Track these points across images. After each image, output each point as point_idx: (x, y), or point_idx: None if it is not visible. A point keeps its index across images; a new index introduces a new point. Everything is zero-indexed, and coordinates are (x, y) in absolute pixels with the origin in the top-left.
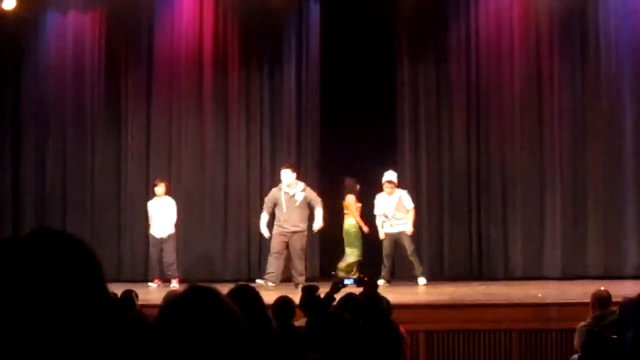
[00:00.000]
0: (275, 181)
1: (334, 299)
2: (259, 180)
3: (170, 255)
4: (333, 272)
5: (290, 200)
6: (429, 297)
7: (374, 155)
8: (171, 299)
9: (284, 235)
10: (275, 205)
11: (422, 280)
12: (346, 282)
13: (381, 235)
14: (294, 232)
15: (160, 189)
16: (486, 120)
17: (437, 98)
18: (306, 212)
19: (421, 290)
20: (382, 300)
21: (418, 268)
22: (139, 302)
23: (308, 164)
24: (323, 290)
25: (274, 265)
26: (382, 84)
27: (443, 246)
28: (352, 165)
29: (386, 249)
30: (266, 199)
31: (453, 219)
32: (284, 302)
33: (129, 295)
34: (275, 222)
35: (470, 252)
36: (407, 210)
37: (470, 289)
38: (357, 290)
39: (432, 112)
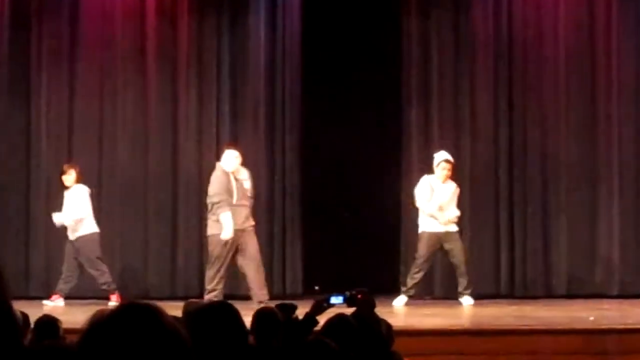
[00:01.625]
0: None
1: (317, 322)
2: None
3: (89, 264)
4: (317, 287)
5: (241, 189)
6: (444, 321)
7: (371, 136)
8: (97, 320)
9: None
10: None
11: (467, 300)
12: (333, 300)
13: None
14: (244, 231)
15: (69, 177)
16: (521, 89)
17: (455, 59)
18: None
19: (432, 312)
20: (381, 323)
21: (468, 285)
22: (65, 326)
23: (285, 145)
24: (303, 312)
25: (219, 277)
26: (382, 40)
27: None
28: (342, 150)
29: (425, 253)
30: (220, 189)
31: (476, 220)
32: (265, 318)
33: (50, 319)
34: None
35: (497, 263)
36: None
37: (499, 310)
38: (349, 311)
39: (448, 79)
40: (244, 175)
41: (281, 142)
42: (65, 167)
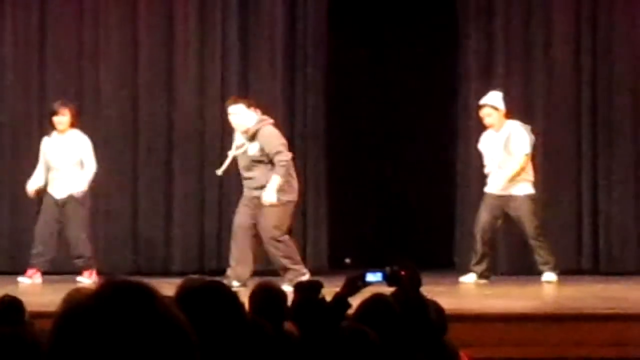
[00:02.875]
0: None
1: (349, 304)
2: (221, 114)
3: (76, 230)
4: (347, 260)
5: (244, 154)
6: (512, 303)
7: (414, 73)
8: (74, 305)
9: (247, 205)
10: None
11: (550, 276)
12: (370, 277)
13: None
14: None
15: (62, 119)
16: (606, 20)
17: None
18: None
19: (495, 292)
20: (431, 307)
21: (547, 257)
22: (31, 310)
23: (307, 88)
24: (331, 292)
25: (234, 254)
26: None
27: None
28: (377, 93)
29: (484, 222)
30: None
31: (551, 183)
32: (266, 295)
33: (13, 300)
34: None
35: (578, 232)
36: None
37: (580, 290)
38: (389, 291)
39: (514, 8)
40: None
41: (302, 82)
42: (56, 105)
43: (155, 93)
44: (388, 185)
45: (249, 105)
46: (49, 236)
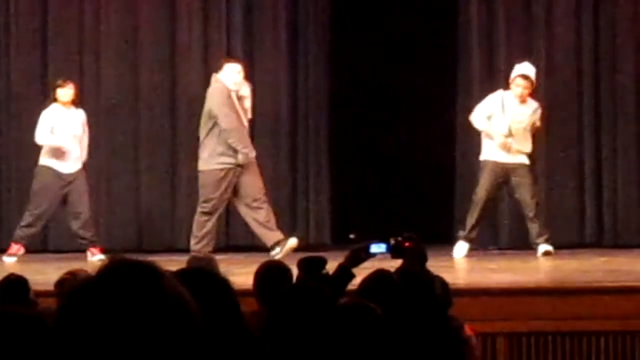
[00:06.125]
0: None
1: (353, 275)
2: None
3: (82, 204)
4: (352, 236)
5: (243, 110)
6: (514, 277)
7: (417, 43)
8: (79, 283)
9: (234, 168)
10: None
11: (544, 248)
12: (374, 249)
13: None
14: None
15: (66, 92)
16: None
17: None
18: None
19: (499, 266)
20: (435, 281)
21: (542, 229)
22: (37, 288)
23: (310, 60)
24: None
25: (208, 226)
26: None
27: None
28: (380, 63)
29: (485, 187)
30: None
31: (554, 150)
32: (271, 273)
33: (17, 280)
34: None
35: (581, 204)
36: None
37: (583, 263)
38: (392, 265)
39: None
40: (246, 92)
41: (304, 55)
42: (61, 81)
43: (157, 70)
44: (392, 160)
45: None
46: (47, 212)
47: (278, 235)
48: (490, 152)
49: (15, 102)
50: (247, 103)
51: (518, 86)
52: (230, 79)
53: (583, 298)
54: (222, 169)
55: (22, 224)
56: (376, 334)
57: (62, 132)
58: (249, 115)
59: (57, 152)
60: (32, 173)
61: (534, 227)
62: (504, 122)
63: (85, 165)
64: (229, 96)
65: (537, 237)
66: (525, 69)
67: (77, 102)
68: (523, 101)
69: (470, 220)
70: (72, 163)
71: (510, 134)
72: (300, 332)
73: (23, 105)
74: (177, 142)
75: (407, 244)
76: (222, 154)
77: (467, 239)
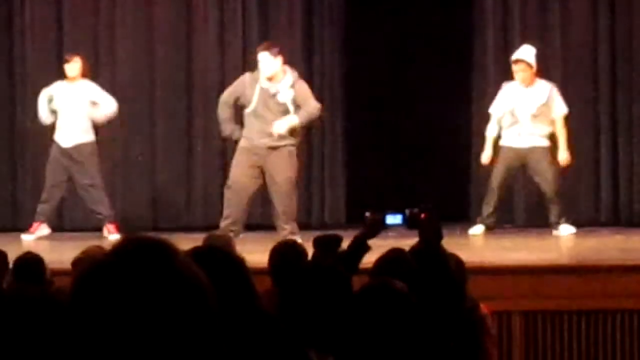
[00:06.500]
0: None
1: (369, 247)
2: (241, 66)
3: (87, 176)
4: (368, 214)
5: (270, 100)
6: (529, 255)
7: (432, 28)
8: (94, 262)
9: (255, 154)
10: (239, 102)
11: (565, 230)
12: (389, 220)
13: (486, 155)
14: (272, 149)
15: (72, 66)
16: None
17: None
18: None
19: (514, 244)
20: (450, 259)
21: (561, 211)
22: (53, 267)
23: (325, 42)
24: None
25: (232, 207)
26: None
27: None
28: (395, 46)
29: (500, 173)
30: (227, 91)
31: (570, 136)
32: (286, 251)
33: (33, 259)
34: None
35: (597, 182)
36: (552, 120)
37: (599, 242)
38: (407, 244)
39: None
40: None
41: (320, 37)
42: (67, 55)
43: (173, 53)
44: (407, 141)
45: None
46: (57, 185)
47: None
48: (505, 137)
49: (29, 82)
50: (282, 96)
51: (515, 72)
52: (261, 68)
53: (598, 276)
54: None
55: (40, 200)
56: (405, 314)
57: (62, 107)
58: None
59: (58, 126)
60: (47, 152)
61: (554, 208)
62: (505, 109)
63: (99, 138)
64: (248, 81)
65: (558, 218)
66: (516, 53)
67: (87, 75)
68: (528, 85)
69: (487, 207)
70: (74, 136)
71: (514, 117)
72: (315, 311)
73: (40, 85)
74: (193, 121)
75: (423, 215)
76: None
77: (484, 224)
